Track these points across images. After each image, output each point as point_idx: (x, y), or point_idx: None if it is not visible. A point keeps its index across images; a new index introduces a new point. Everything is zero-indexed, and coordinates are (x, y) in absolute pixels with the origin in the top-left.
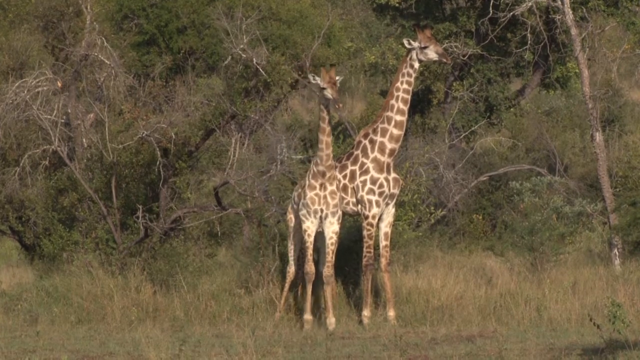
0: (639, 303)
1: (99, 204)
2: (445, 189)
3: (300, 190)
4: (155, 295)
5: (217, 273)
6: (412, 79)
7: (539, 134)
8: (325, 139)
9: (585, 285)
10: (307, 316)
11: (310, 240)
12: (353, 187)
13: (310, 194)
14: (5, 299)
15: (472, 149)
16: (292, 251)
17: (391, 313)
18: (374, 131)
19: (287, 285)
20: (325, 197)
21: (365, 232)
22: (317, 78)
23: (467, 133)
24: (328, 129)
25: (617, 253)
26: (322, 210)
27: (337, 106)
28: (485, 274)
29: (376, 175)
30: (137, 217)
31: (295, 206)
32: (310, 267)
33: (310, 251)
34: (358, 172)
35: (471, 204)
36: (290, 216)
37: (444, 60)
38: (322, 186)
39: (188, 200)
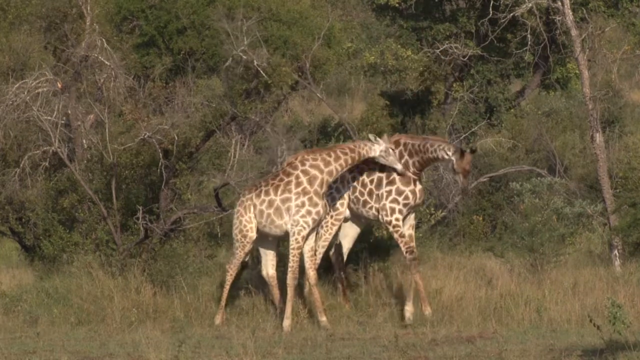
0: (639, 304)
1: (99, 205)
2: (446, 190)
3: (287, 194)
4: (156, 297)
5: (217, 274)
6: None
7: (539, 135)
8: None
9: (585, 286)
10: (287, 321)
11: (302, 244)
12: (378, 195)
13: (321, 202)
14: (5, 300)
15: None
16: (240, 258)
17: (427, 311)
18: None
19: (227, 288)
20: (325, 205)
21: (395, 235)
22: (378, 139)
23: (467, 134)
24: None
25: (617, 254)
26: (321, 220)
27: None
28: (486, 275)
29: (402, 187)
30: (137, 218)
31: (269, 211)
32: (297, 271)
33: (299, 257)
34: (385, 181)
35: (471, 205)
36: (251, 226)
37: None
38: (324, 196)
39: (188, 202)
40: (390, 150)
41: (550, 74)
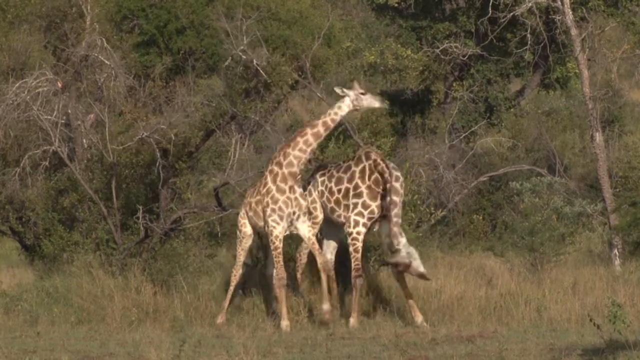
0: (639, 303)
1: (99, 205)
2: (446, 189)
3: (259, 197)
4: (156, 296)
5: (218, 273)
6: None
7: (539, 134)
8: (315, 145)
9: (585, 285)
10: (285, 322)
11: (280, 245)
12: (346, 205)
13: (281, 198)
14: (5, 300)
15: (472, 150)
16: (241, 256)
17: (418, 319)
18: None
19: (232, 288)
20: (296, 199)
21: (351, 248)
22: (345, 90)
23: (467, 133)
24: (324, 137)
25: (617, 253)
26: (293, 213)
27: (382, 105)
28: (486, 275)
29: (369, 201)
30: (138, 218)
31: (250, 213)
32: (282, 272)
33: (281, 256)
34: (352, 193)
35: (471, 204)
36: (244, 221)
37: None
38: (292, 189)
39: (188, 201)
40: (361, 95)
41: (550, 73)
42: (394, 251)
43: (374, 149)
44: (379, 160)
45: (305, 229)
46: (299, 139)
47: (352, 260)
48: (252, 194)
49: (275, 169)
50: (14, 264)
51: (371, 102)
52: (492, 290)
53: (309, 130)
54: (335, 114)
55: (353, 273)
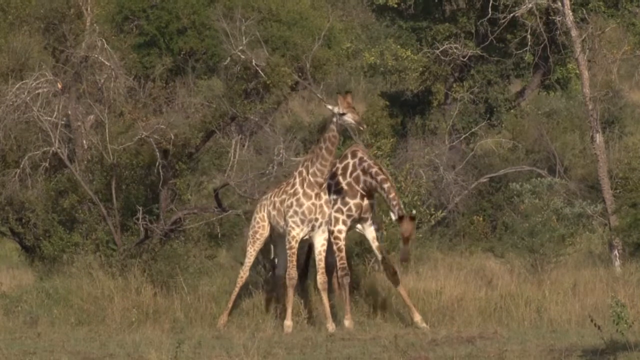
0: (639, 304)
1: (99, 206)
2: (446, 190)
3: (284, 196)
4: (156, 297)
5: (218, 274)
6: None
7: (539, 135)
8: (331, 159)
9: (585, 286)
10: (288, 322)
11: (296, 246)
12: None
13: (307, 203)
14: (5, 301)
15: (472, 151)
16: (252, 257)
17: (416, 318)
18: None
19: (237, 290)
20: (321, 206)
21: (334, 247)
22: (330, 106)
23: (467, 134)
24: (335, 151)
25: (617, 254)
26: (316, 219)
27: (361, 128)
28: (486, 276)
29: (347, 199)
30: (137, 219)
31: (274, 212)
32: (294, 272)
33: (295, 257)
34: (332, 189)
35: (471, 205)
36: (263, 223)
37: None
38: (318, 196)
39: (188, 202)
40: (341, 116)
41: (550, 74)
42: (400, 217)
43: (361, 146)
44: (365, 157)
45: (320, 242)
46: (318, 151)
47: (337, 259)
48: (277, 194)
49: (304, 173)
50: (14, 265)
51: (348, 121)
52: (492, 291)
53: (319, 150)
54: (331, 137)
55: (339, 272)
